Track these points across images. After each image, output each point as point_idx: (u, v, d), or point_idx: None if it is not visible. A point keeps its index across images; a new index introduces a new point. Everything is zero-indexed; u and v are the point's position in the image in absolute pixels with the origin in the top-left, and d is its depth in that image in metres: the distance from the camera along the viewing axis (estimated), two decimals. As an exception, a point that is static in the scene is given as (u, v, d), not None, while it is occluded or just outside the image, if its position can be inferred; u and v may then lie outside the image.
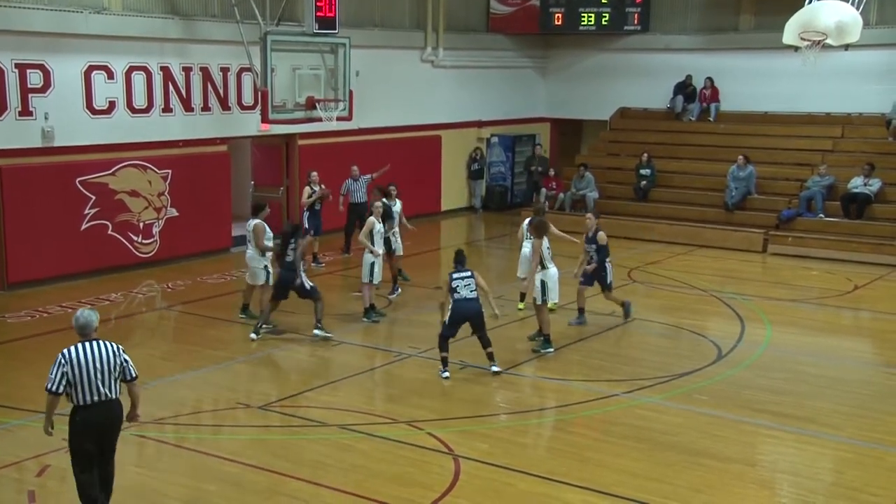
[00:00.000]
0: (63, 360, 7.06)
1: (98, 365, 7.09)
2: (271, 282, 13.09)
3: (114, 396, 7.19)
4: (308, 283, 12.56)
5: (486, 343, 11.19)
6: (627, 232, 20.43)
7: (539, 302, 12.08)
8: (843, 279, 16.71)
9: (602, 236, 13.14)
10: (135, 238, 16.54)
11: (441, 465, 8.63)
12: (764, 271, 17.86)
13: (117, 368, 7.16)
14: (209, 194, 17.58)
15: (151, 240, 16.80)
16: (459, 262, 11.15)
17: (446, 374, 11.03)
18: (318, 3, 16.18)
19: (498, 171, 24.38)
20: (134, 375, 7.28)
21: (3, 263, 14.88)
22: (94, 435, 7.19)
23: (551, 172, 22.70)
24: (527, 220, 13.14)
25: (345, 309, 14.13)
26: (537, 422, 10.07)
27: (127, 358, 7.23)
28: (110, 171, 16.05)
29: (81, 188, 15.65)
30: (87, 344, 7.16)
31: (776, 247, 18.96)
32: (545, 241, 12.17)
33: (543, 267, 12.02)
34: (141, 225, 16.60)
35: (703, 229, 19.98)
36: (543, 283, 12.01)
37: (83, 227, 15.74)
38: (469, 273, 11.04)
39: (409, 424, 9.61)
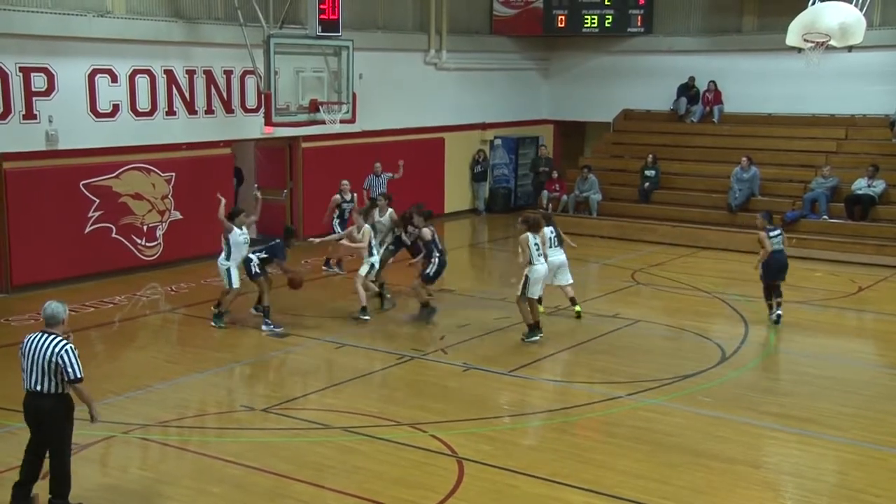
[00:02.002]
0: (21, 345, 7.34)
1: (34, 357, 7.20)
2: (235, 285, 13.07)
3: (43, 391, 7.21)
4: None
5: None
6: (631, 234, 20.46)
7: (518, 294, 12.46)
8: (847, 280, 16.69)
9: (426, 233, 13.57)
10: (138, 241, 16.57)
11: (444, 468, 8.63)
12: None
13: (52, 366, 7.16)
14: (213, 197, 17.55)
15: (155, 242, 16.83)
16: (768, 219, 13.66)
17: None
18: (321, 6, 16.17)
19: (501, 174, 24.38)
20: (74, 377, 7.18)
21: (7, 266, 14.90)
22: (29, 423, 7.35)
23: (554, 175, 22.71)
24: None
25: (346, 311, 14.14)
26: (540, 424, 10.06)
27: (67, 358, 7.15)
28: (114, 174, 16.08)
29: (85, 191, 15.68)
30: (39, 335, 7.29)
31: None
32: (534, 238, 12.49)
33: (531, 263, 12.36)
34: (145, 228, 16.63)
35: (706, 231, 19.96)
36: (527, 278, 12.35)
37: (87, 229, 15.77)
38: (780, 231, 13.70)
39: (413, 426, 9.60)
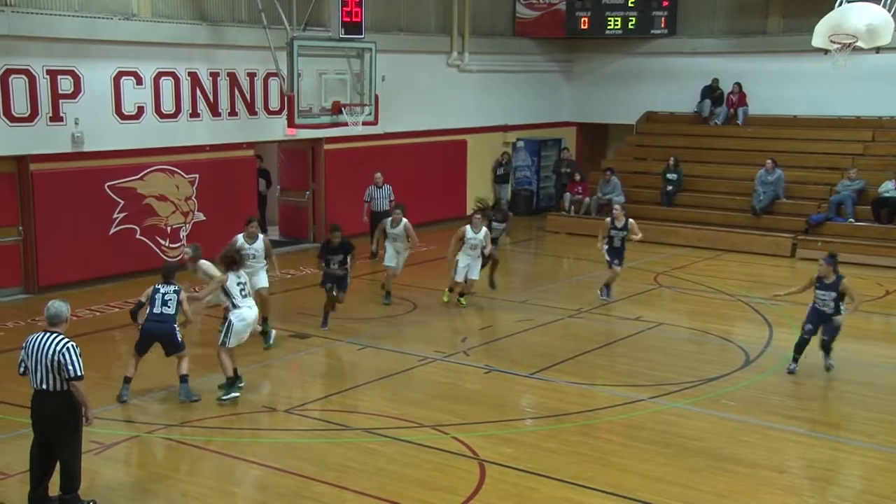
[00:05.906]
0: (24, 345, 7.42)
1: (38, 356, 7.29)
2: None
3: (48, 389, 7.31)
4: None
5: None
6: (654, 236, 20.28)
7: (220, 343, 10.47)
8: (874, 284, 16.53)
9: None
10: (162, 242, 16.68)
11: (466, 470, 8.62)
12: (792, 276, 17.65)
13: (55, 364, 7.25)
14: (236, 198, 17.68)
15: (179, 244, 16.92)
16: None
17: None
18: (344, 8, 16.23)
19: (523, 176, 24.35)
20: (73, 374, 7.27)
21: (33, 267, 15.05)
22: (36, 422, 7.44)
23: (577, 177, 22.65)
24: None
25: (368, 313, 14.16)
26: (562, 426, 10.01)
27: (68, 356, 7.24)
28: (138, 176, 16.20)
29: (110, 193, 15.80)
30: (43, 334, 7.39)
31: (805, 251, 18.77)
32: (238, 277, 10.69)
33: (235, 306, 10.54)
34: (168, 229, 16.74)
35: (730, 234, 19.84)
36: (231, 325, 10.45)
37: (112, 231, 15.89)
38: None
39: (434, 428, 9.61)
